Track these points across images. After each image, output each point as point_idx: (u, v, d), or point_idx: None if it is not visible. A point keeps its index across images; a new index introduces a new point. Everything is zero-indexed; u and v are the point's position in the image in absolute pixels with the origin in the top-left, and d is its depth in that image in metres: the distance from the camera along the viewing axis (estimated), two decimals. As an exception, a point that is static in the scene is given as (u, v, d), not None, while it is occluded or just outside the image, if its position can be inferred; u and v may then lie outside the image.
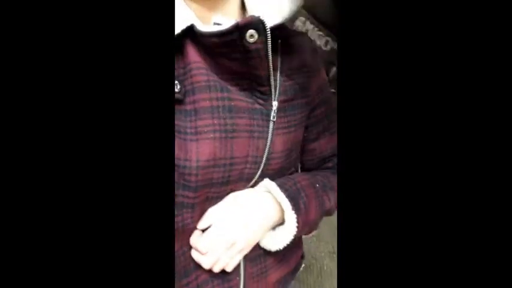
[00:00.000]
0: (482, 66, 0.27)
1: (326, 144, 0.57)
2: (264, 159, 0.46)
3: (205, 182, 0.42)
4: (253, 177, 0.47)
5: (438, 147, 0.28)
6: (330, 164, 0.59)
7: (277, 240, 0.50)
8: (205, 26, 0.40)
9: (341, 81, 0.31)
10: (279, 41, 0.46)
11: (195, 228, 0.46)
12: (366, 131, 0.30)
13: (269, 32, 0.38)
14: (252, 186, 0.49)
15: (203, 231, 0.46)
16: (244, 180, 0.47)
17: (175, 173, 0.41)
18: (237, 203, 0.46)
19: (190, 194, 0.42)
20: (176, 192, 0.42)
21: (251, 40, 0.38)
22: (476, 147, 0.28)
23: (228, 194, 0.47)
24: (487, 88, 0.27)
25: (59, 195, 0.28)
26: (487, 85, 0.27)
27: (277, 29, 0.41)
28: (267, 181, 0.49)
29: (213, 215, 0.46)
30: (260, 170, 0.47)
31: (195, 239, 0.45)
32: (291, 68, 0.48)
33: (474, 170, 0.28)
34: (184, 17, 0.39)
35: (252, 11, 0.47)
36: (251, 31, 0.37)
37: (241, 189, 0.48)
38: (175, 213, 0.42)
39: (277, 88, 0.46)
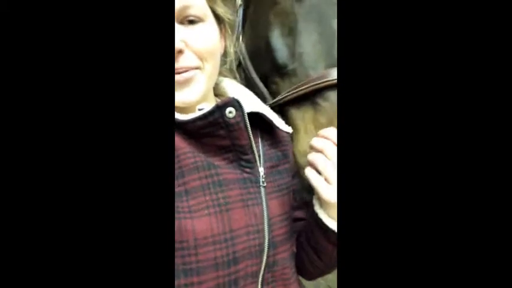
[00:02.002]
0: (475, 74, 0.28)
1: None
2: (266, 226, 0.47)
3: (208, 263, 0.41)
4: (262, 249, 0.46)
5: (439, 150, 0.29)
6: None
7: None
8: (190, 114, 0.46)
9: (341, 81, 0.31)
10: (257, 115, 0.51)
11: None
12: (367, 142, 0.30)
13: (244, 107, 0.45)
14: (267, 262, 0.47)
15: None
16: (254, 255, 0.45)
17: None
18: None
19: (194, 279, 0.41)
20: (177, 282, 0.40)
21: (230, 115, 0.44)
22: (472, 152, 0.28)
23: (240, 276, 0.44)
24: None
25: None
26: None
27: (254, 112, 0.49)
28: None
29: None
30: (267, 240, 0.46)
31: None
32: (270, 139, 0.54)
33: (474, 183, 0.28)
34: None
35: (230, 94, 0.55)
36: (229, 108, 0.44)
37: (254, 268, 0.45)
38: None
39: (261, 156, 0.50)
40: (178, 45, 0.44)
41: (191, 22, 0.46)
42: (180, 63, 0.45)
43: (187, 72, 0.46)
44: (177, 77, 0.45)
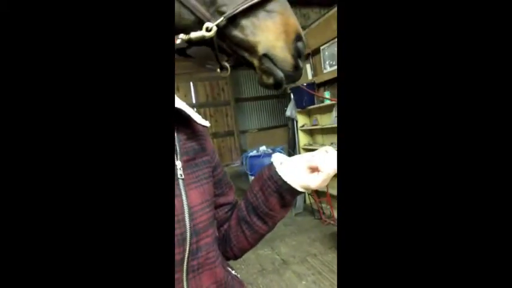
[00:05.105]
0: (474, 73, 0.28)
1: (232, 196, 0.65)
2: (187, 215, 0.49)
3: None
4: (184, 238, 0.48)
5: (439, 149, 0.29)
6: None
7: None
8: None
9: (341, 81, 0.31)
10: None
11: None
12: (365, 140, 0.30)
13: None
14: (190, 249, 0.48)
15: None
16: (177, 245, 0.47)
17: None
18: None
19: None
20: None
21: None
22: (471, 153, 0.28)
23: None
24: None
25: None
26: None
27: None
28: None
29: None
30: (188, 228, 0.48)
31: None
32: (187, 133, 0.55)
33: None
34: None
35: None
36: None
37: (178, 257, 0.47)
38: None
39: (178, 149, 0.52)
40: None
41: None
42: None
43: None
44: None
